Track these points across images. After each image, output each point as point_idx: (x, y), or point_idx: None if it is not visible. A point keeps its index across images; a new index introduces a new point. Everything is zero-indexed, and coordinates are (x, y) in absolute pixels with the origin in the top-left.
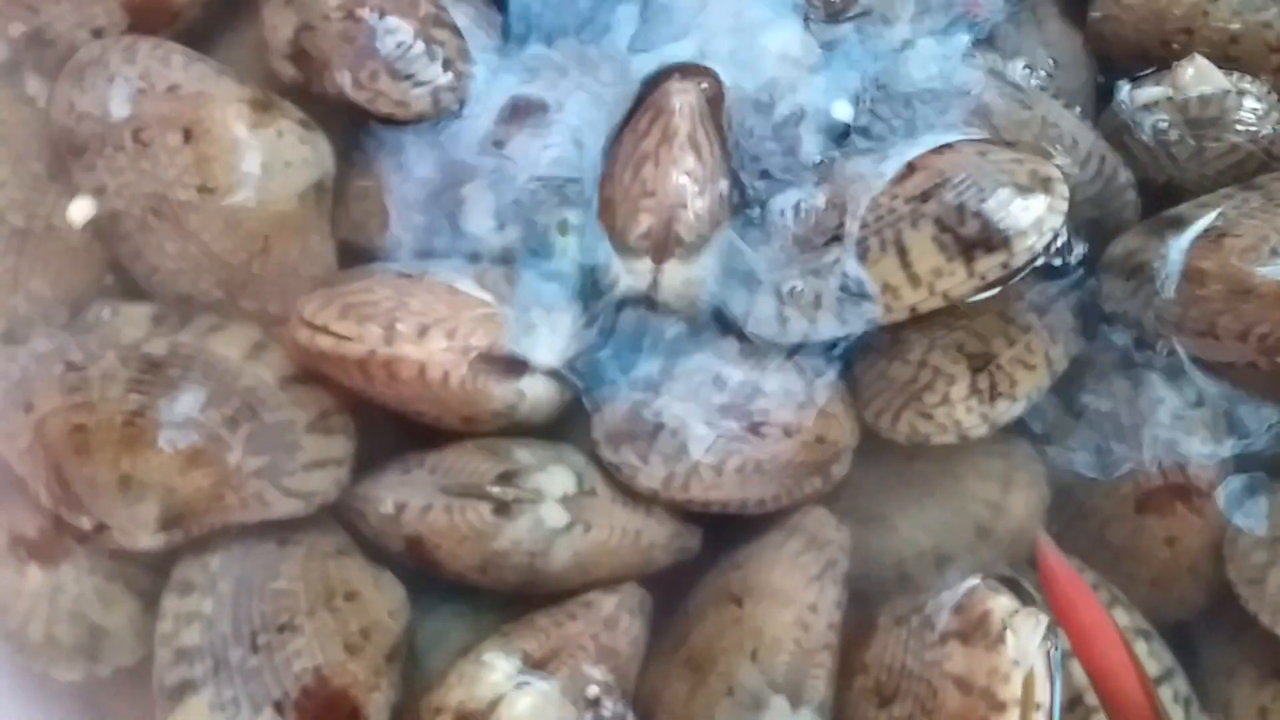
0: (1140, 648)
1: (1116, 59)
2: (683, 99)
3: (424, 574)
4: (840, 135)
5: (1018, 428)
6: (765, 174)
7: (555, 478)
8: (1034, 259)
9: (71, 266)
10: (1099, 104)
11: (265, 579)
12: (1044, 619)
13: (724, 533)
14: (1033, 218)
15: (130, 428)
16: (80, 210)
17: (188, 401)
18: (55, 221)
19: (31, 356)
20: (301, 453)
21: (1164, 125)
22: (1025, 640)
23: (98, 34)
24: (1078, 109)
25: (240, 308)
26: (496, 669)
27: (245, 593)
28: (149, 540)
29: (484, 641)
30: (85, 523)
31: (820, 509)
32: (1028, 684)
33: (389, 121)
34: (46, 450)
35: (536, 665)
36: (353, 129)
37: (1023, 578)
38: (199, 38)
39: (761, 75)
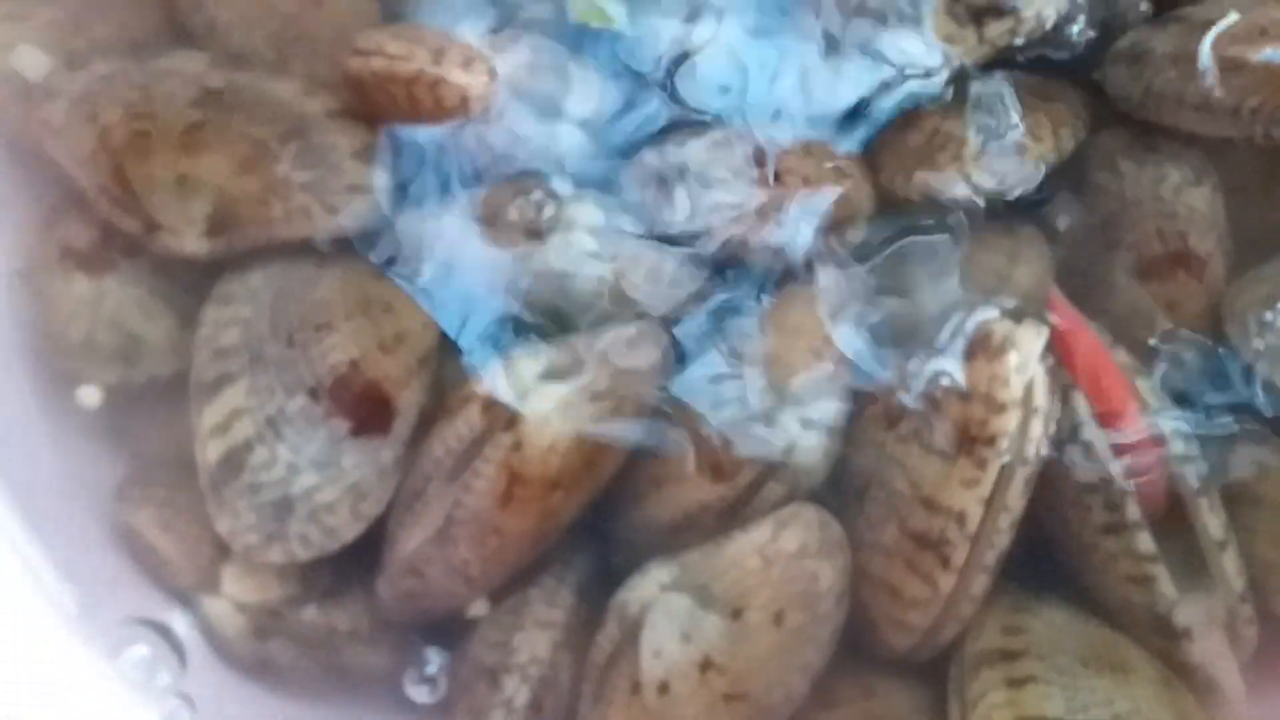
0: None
1: None
2: None
3: None
4: None
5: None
6: None
7: (585, 209)
8: (1039, 28)
9: (133, 14)
10: None
11: (304, 289)
12: (1044, 331)
13: None
14: None
15: (189, 135)
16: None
17: (242, 119)
18: None
19: (94, 76)
20: (343, 174)
21: None
22: (1026, 350)
23: None
24: None
25: (291, 67)
26: (527, 367)
27: (284, 299)
28: (196, 243)
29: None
30: (137, 226)
31: (831, 271)
32: (1028, 390)
33: None
34: (109, 153)
35: (559, 374)
36: None
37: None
38: None
39: None
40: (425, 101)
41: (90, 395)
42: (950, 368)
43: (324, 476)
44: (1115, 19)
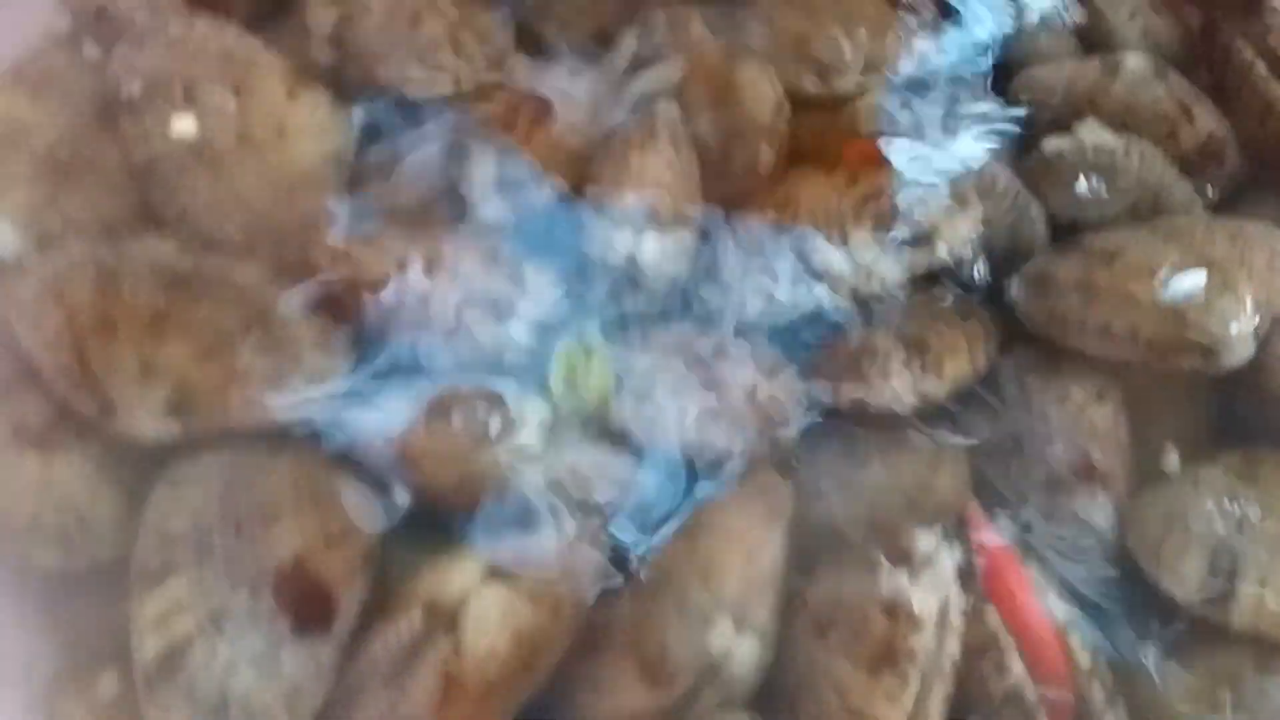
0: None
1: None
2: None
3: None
4: None
5: (945, 419)
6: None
7: (534, 406)
8: (953, 257)
9: (109, 200)
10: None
11: (256, 476)
12: (958, 551)
13: None
14: (953, 223)
15: (154, 322)
16: (183, 125)
17: (208, 307)
18: (98, 162)
19: (65, 258)
20: (302, 362)
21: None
22: (944, 568)
23: (157, 11)
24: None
25: (259, 252)
26: (467, 568)
27: (235, 486)
28: (153, 425)
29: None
30: (95, 407)
31: (769, 471)
32: (944, 607)
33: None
34: (74, 336)
35: (499, 575)
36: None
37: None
38: (247, 27)
39: None
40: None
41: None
42: (873, 580)
43: (262, 676)
44: (1021, 245)
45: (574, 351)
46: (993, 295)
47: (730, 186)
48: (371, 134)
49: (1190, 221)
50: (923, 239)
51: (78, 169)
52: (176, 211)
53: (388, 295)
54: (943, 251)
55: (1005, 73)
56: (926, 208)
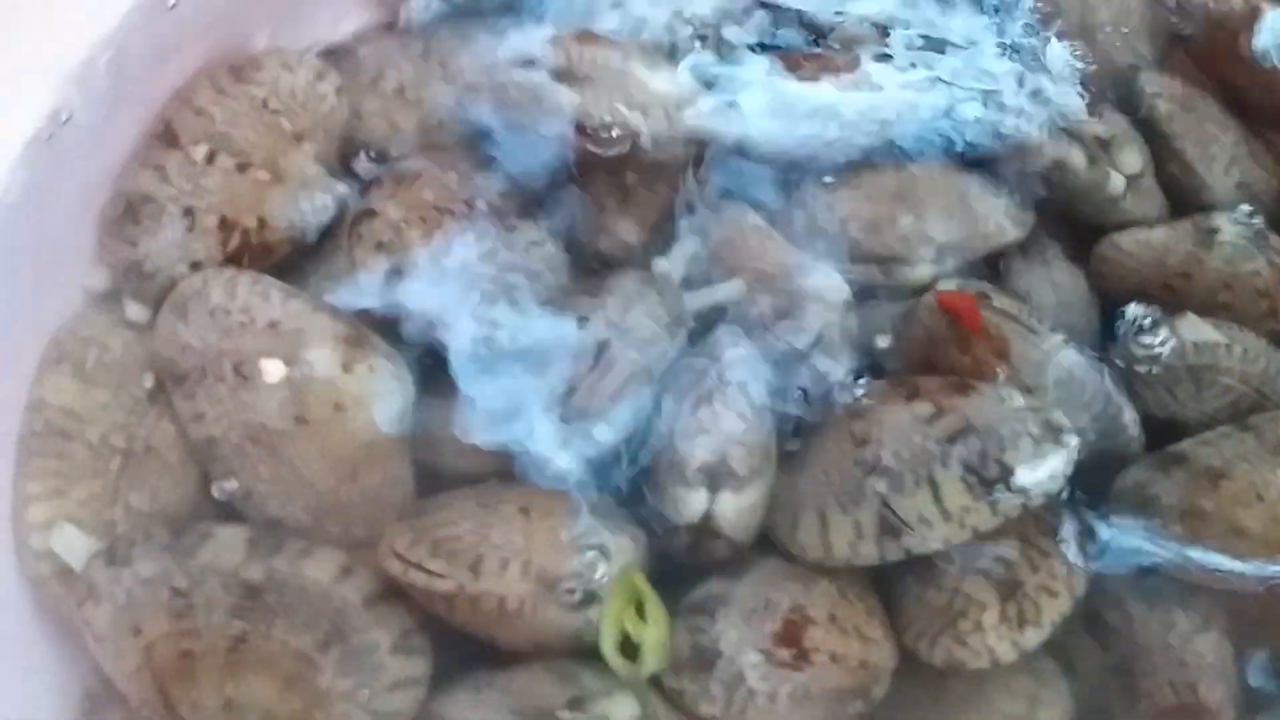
0: None
1: (1118, 296)
2: (735, 352)
3: None
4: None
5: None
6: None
7: (621, 705)
8: (1049, 500)
9: (169, 485)
10: (1103, 333)
11: None
12: None
13: None
14: (1046, 466)
15: (234, 654)
16: (273, 371)
17: (283, 626)
18: (154, 443)
19: (136, 579)
20: (385, 674)
21: (1164, 369)
22: None
23: (195, 267)
24: (1085, 348)
25: (326, 531)
26: None
27: None
28: None
29: None
30: None
31: None
32: None
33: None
34: (154, 673)
35: None
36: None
37: None
38: (291, 269)
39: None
40: (463, 609)
41: None
42: None
43: None
44: (1113, 451)
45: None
46: (1085, 508)
47: (800, 404)
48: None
49: None
50: (1015, 487)
51: (136, 457)
52: (241, 493)
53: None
54: (1036, 498)
55: (1087, 234)
56: (1017, 445)
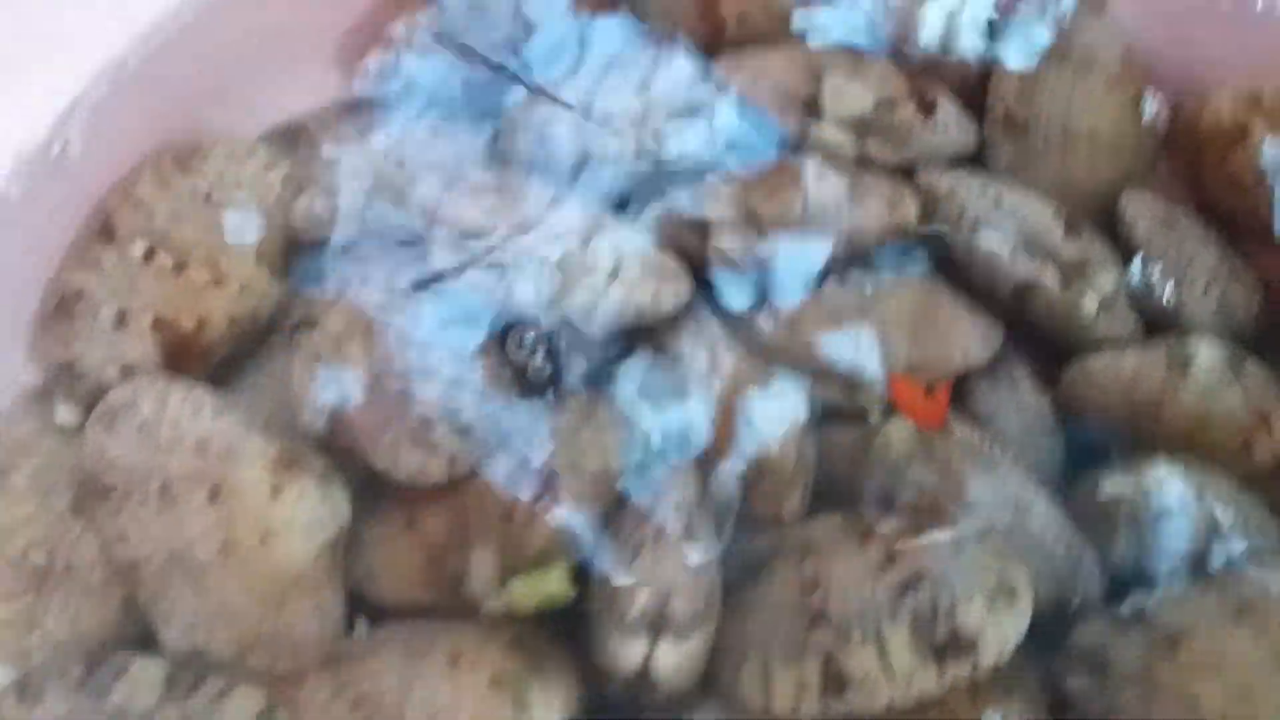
0: None
1: (1087, 423)
2: (681, 492)
3: None
4: None
5: None
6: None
7: None
8: (999, 663)
9: (89, 608)
10: (1067, 463)
11: None
12: None
13: None
14: (999, 627)
15: None
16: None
17: None
18: (75, 561)
19: (48, 715)
20: None
21: (1129, 518)
22: None
23: (127, 370)
24: (1047, 485)
25: (249, 665)
26: None
27: None
28: None
29: None
30: None
31: None
32: None
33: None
34: None
35: None
36: (372, 477)
37: None
38: (230, 371)
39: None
40: None
41: None
42: None
43: None
44: (1071, 596)
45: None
46: (1038, 654)
47: (748, 543)
48: None
49: (1264, 599)
50: (966, 646)
51: (55, 576)
52: (162, 620)
53: None
54: (988, 660)
55: (1056, 353)
56: (969, 604)
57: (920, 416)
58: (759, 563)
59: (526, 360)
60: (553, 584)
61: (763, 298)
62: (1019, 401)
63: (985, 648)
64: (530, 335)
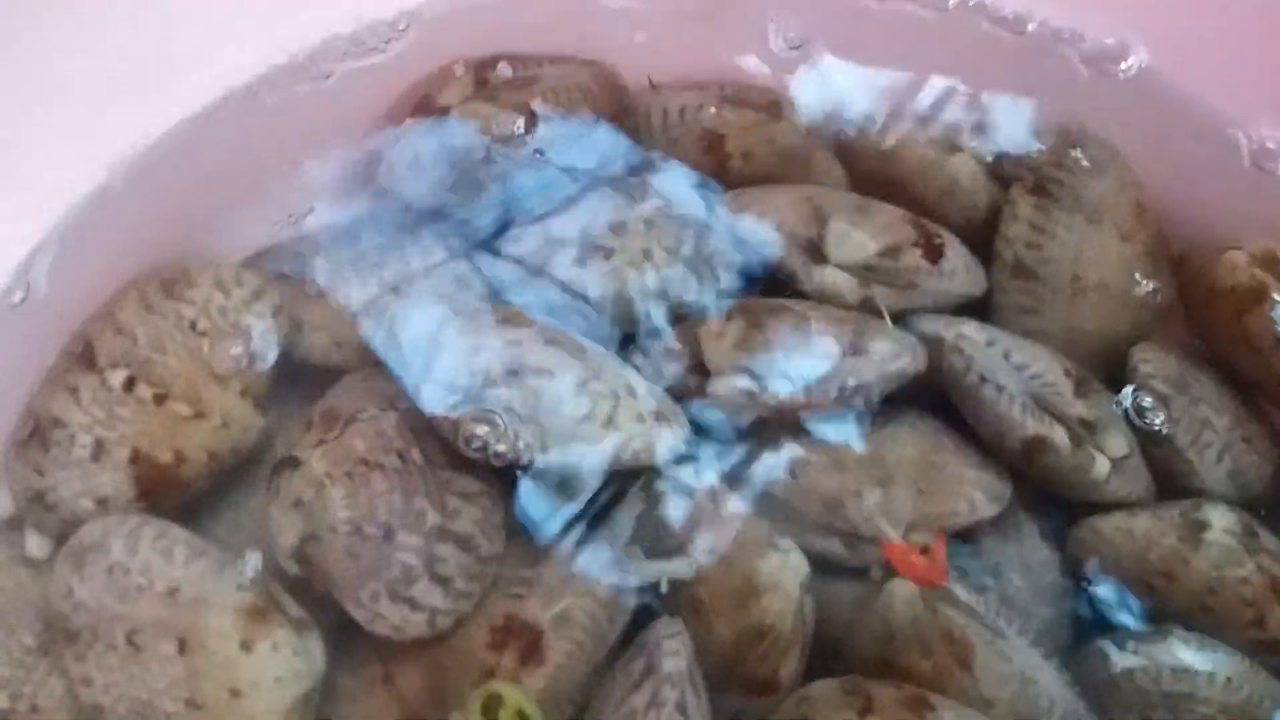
0: None
1: (1096, 583)
2: (674, 662)
3: None
4: None
5: None
6: None
7: None
8: None
9: None
10: (1075, 624)
11: None
12: None
13: None
14: None
15: None
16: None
17: None
18: (40, 702)
19: None
20: None
21: (1139, 693)
22: None
23: (102, 504)
24: (1055, 661)
25: None
26: None
27: None
28: None
29: None
30: None
31: None
32: None
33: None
34: None
35: None
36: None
37: None
38: (207, 504)
39: None
40: None
41: None
42: None
43: None
44: None
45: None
46: None
47: (744, 700)
48: None
49: None
50: None
51: (20, 716)
52: None
53: None
54: None
55: (1066, 509)
56: None
57: (920, 577)
58: None
59: (482, 454)
60: None
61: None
62: (1025, 560)
63: None
64: (479, 432)
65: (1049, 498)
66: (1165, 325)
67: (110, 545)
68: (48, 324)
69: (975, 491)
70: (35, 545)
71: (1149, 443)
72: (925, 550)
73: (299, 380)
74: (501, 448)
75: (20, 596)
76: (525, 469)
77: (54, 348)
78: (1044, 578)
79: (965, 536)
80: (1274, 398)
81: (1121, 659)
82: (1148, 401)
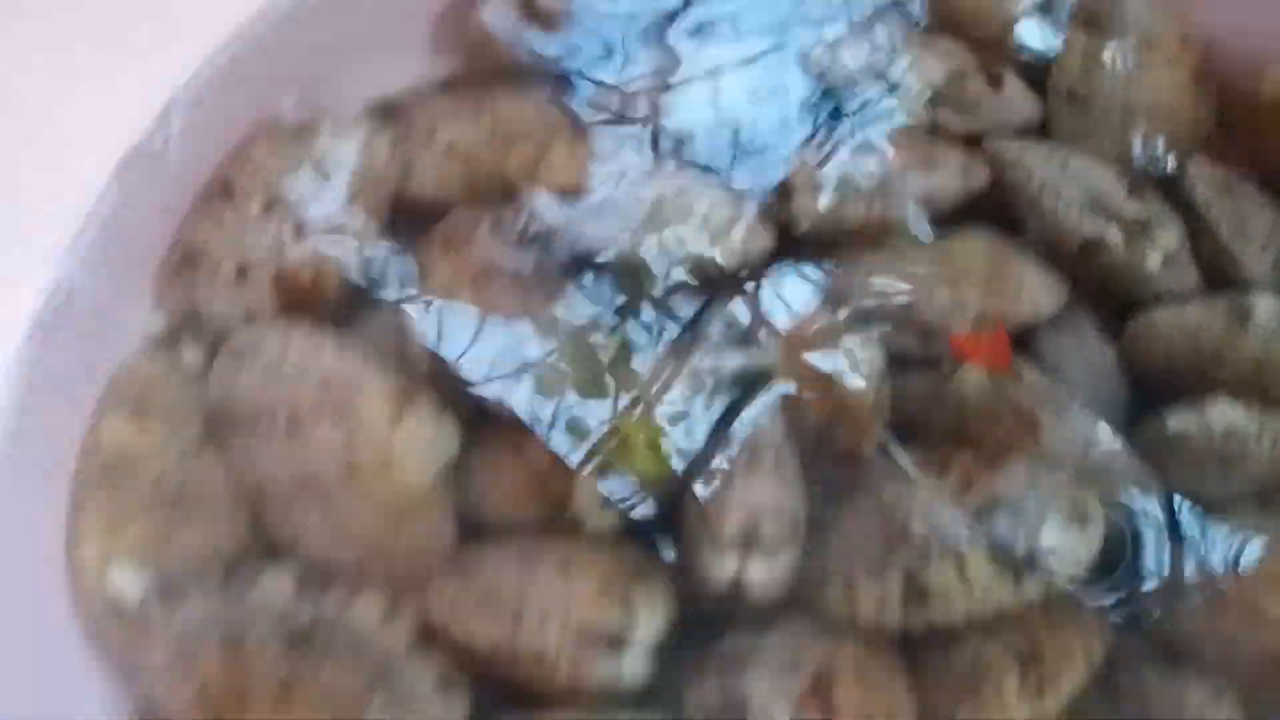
0: None
1: (1150, 373)
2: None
3: None
4: None
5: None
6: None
7: None
8: (1073, 580)
9: (219, 527)
10: (1131, 410)
11: None
12: None
13: None
14: (1072, 548)
15: (284, 693)
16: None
17: (331, 669)
18: (205, 486)
19: (189, 618)
20: (427, 712)
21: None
22: None
23: (249, 317)
24: (1112, 428)
25: (371, 577)
26: None
27: None
28: None
29: None
30: None
31: None
32: None
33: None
34: (207, 706)
35: None
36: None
37: None
38: (342, 318)
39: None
40: (504, 663)
41: None
42: None
43: None
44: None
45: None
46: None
47: (831, 473)
48: None
49: None
50: (1041, 562)
51: (188, 499)
52: (289, 538)
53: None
54: (1063, 576)
55: (1119, 308)
56: (1044, 527)
57: (988, 361)
58: (842, 491)
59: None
60: (655, 462)
61: None
62: (1085, 352)
63: (1060, 565)
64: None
65: (1102, 297)
66: (1212, 147)
67: (264, 345)
68: (187, 168)
69: (1037, 289)
70: (191, 356)
71: (1197, 237)
72: (990, 339)
73: (410, 218)
74: None
75: (183, 398)
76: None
77: (194, 190)
78: (1102, 369)
79: (1026, 341)
80: None
81: (1175, 423)
82: (1199, 195)
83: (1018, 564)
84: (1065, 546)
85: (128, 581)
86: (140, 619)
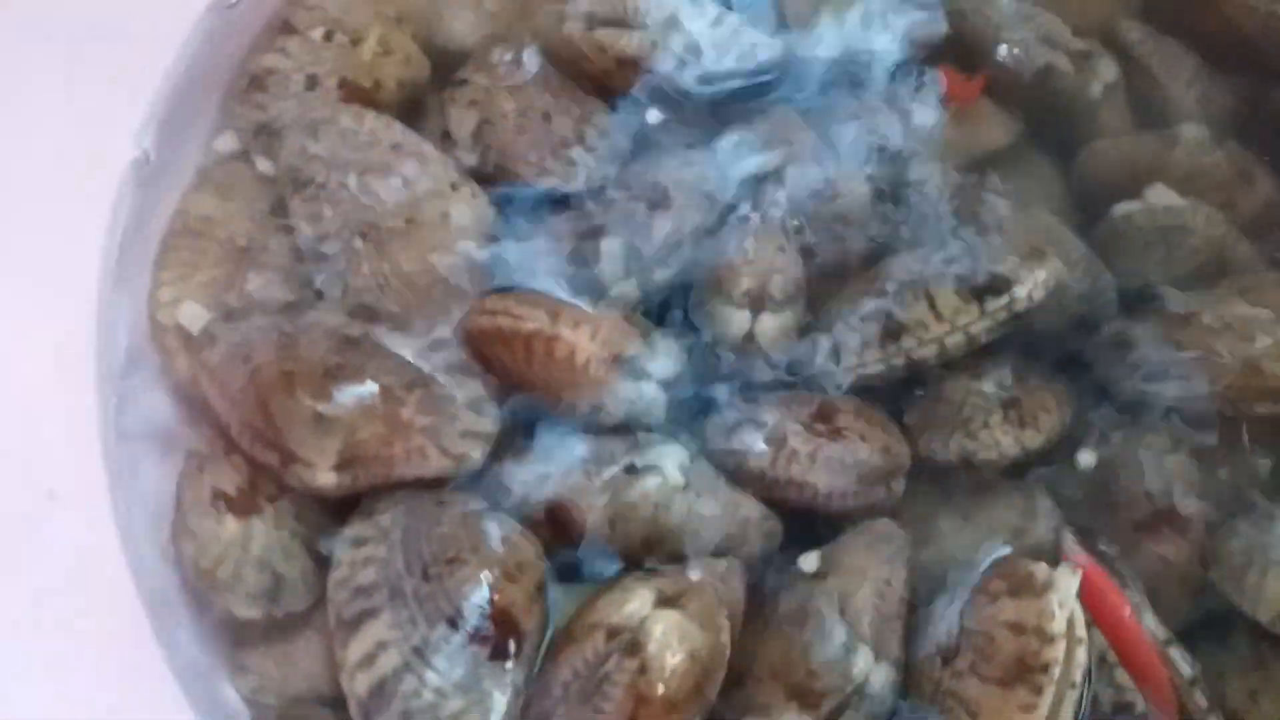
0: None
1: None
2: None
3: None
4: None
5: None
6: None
7: (673, 451)
8: (1032, 304)
9: (279, 279)
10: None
11: (429, 527)
12: (1079, 571)
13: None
14: (1031, 273)
15: (328, 377)
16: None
17: (375, 366)
18: (271, 246)
19: (250, 327)
20: (458, 421)
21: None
22: (1065, 587)
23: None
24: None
25: (414, 324)
26: (641, 595)
27: (412, 538)
28: (326, 476)
29: (625, 578)
30: (276, 459)
31: (885, 518)
32: (1070, 622)
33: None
34: (257, 389)
35: (668, 601)
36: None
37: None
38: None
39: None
40: (539, 354)
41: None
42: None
43: (468, 700)
44: (1094, 313)
45: None
46: (1070, 361)
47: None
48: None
49: (1259, 278)
50: (1001, 285)
51: (254, 253)
52: (341, 288)
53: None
54: (1022, 297)
55: (1066, 148)
56: (1006, 259)
57: (960, 95)
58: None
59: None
60: None
61: None
62: (1037, 176)
63: (1019, 287)
64: None
65: (1051, 138)
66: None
67: (339, 118)
68: (250, 16)
69: (992, 125)
70: (264, 165)
71: (1131, 79)
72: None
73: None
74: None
75: (257, 185)
76: None
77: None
78: (1053, 189)
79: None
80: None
81: (1120, 209)
82: (1133, 39)
83: (981, 289)
84: (1024, 272)
85: (195, 317)
86: (206, 336)
